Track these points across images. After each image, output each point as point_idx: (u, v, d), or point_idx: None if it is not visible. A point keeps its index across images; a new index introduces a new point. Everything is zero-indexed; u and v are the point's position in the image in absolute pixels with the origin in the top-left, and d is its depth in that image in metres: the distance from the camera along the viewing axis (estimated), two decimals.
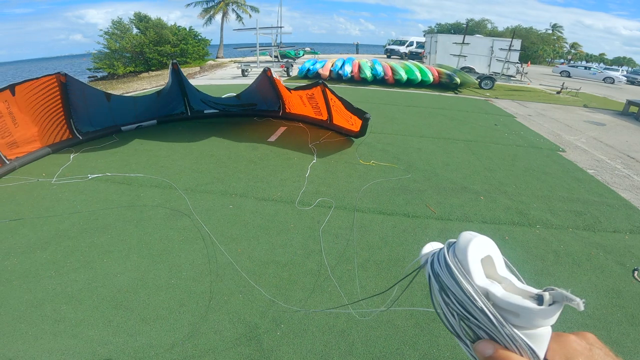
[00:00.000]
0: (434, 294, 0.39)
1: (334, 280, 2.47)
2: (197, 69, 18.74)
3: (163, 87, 5.87)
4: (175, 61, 5.44)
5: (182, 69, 5.60)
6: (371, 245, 2.89)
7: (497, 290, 0.35)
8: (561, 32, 51.38)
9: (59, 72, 4.36)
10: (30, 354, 1.83)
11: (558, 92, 14.52)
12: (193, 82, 8.67)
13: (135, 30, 21.08)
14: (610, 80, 24.74)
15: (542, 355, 0.34)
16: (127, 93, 10.22)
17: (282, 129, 6.04)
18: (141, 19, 21.17)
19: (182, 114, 6.31)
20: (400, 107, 8.90)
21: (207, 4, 34.11)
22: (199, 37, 23.44)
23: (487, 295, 0.35)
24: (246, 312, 2.15)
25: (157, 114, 5.98)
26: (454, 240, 0.40)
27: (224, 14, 34.39)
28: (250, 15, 35.29)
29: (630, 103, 10.67)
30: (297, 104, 6.11)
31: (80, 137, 4.99)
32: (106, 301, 2.18)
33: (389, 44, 34.44)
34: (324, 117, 5.88)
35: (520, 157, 5.46)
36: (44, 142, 4.60)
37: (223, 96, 7.00)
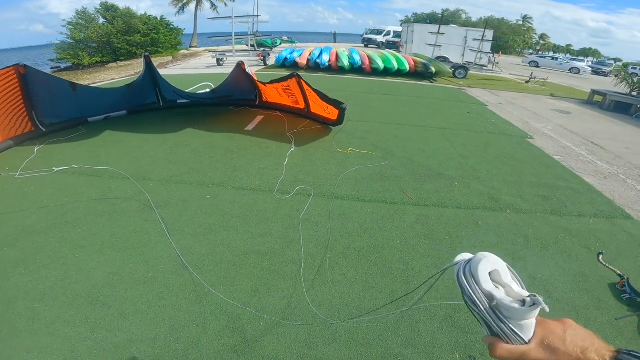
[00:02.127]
0: (464, 298, 0.53)
1: (327, 274, 2.48)
2: (170, 58, 18.01)
3: (134, 79, 5.60)
4: (147, 54, 5.21)
5: (153, 59, 5.35)
6: (351, 233, 2.92)
7: (498, 293, 0.50)
8: (531, 24, 53.15)
9: (17, 64, 4.11)
10: (6, 353, 1.74)
11: (527, 82, 15.09)
12: (165, 71, 8.34)
13: (102, 20, 19.98)
14: (576, 71, 25.93)
15: (527, 338, 0.49)
16: (93, 84, 9.66)
17: (259, 118, 5.95)
18: (108, 9, 20.09)
19: (153, 104, 6.05)
20: (377, 96, 8.96)
21: None
22: (171, 26, 22.54)
23: (492, 296, 0.50)
24: (228, 303, 2.12)
25: (127, 104, 5.72)
26: (472, 255, 0.56)
27: (198, 3, 33.07)
28: (225, 4, 34.15)
29: (594, 92, 11.25)
30: (274, 94, 6.03)
31: (44, 129, 4.71)
32: (81, 297, 2.10)
33: (366, 34, 34.42)
34: (301, 106, 5.83)
35: (492, 144, 5.67)
36: (5, 135, 4.32)
37: (198, 91, 6.77)
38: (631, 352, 0.44)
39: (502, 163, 4.83)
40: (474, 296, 0.50)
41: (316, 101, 5.26)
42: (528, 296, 0.49)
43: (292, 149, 4.62)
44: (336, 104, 4.82)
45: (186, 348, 1.83)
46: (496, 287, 0.51)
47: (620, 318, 2.26)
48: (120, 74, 12.28)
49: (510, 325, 0.49)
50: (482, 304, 0.50)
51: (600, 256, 2.88)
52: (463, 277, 0.53)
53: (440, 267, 0.60)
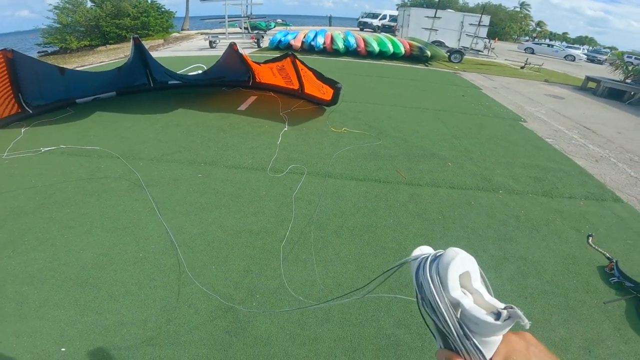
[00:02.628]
0: (418, 299, 0.45)
1: (313, 252, 2.48)
2: (161, 41, 17.50)
3: (124, 62, 5.43)
4: (136, 36, 5.04)
5: (143, 42, 5.19)
6: (344, 211, 2.92)
7: (467, 302, 0.41)
8: (528, 10, 52.50)
9: (5, 49, 4.04)
10: None
11: (522, 67, 15.03)
12: (156, 54, 8.10)
13: (89, 4, 19.25)
14: (571, 58, 25.85)
15: (489, 356, 0.41)
16: (82, 66, 9.38)
17: (252, 98, 5.85)
18: None
19: (144, 85, 5.89)
20: (372, 78, 8.87)
21: None
22: (163, 9, 21.83)
23: (458, 305, 0.41)
24: (220, 284, 2.10)
25: (117, 85, 5.56)
26: (441, 252, 0.45)
27: None
28: None
29: (589, 79, 11.24)
30: (268, 75, 5.92)
31: (30, 111, 4.59)
32: (70, 279, 2.06)
33: (362, 17, 33.78)
34: (295, 86, 5.74)
35: (486, 126, 5.67)
36: None
37: (189, 73, 6.60)
38: None
39: (495, 145, 4.83)
40: (440, 304, 0.41)
41: (311, 81, 5.18)
42: (504, 308, 0.40)
43: (286, 128, 4.57)
44: (331, 83, 4.78)
45: (177, 329, 1.81)
46: (464, 293, 0.43)
47: (608, 302, 2.26)
48: (109, 57, 11.90)
49: (475, 342, 0.40)
50: (448, 315, 0.41)
51: (590, 238, 2.89)
52: (429, 277, 0.43)
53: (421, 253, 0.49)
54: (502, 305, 0.41)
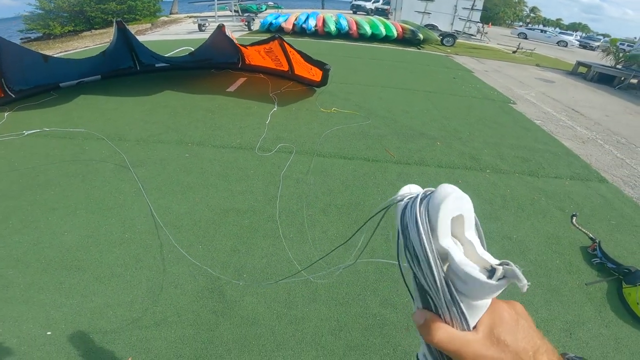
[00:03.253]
0: (400, 248, 0.37)
1: (307, 233, 2.48)
2: (148, 25, 16.98)
3: (108, 46, 5.26)
4: (119, 19, 4.87)
5: (130, 27, 5.03)
6: (332, 190, 2.92)
7: (457, 254, 0.34)
8: None
9: None
10: None
11: (514, 52, 14.98)
12: (143, 38, 7.86)
13: None
14: (563, 44, 25.86)
15: (473, 323, 0.35)
16: (66, 52, 9.09)
17: (241, 80, 5.76)
18: None
19: (130, 68, 5.73)
20: (363, 60, 8.78)
21: None
22: None
23: (447, 256, 0.34)
24: (207, 263, 2.09)
25: (101, 69, 5.39)
26: (432, 189, 0.36)
27: None
28: None
29: (579, 64, 11.26)
30: (256, 57, 5.82)
31: (13, 95, 4.46)
32: (55, 262, 2.03)
33: (355, 0, 33.12)
34: (285, 68, 5.66)
35: (475, 108, 5.68)
36: None
37: (176, 55, 6.43)
38: (579, 358, 0.37)
39: (484, 125, 4.85)
40: (428, 253, 0.34)
41: (300, 63, 5.13)
42: (500, 264, 0.34)
43: (275, 109, 4.52)
44: (320, 65, 4.75)
45: (164, 310, 1.80)
46: (454, 242, 0.36)
47: (590, 283, 2.26)
48: (94, 42, 11.53)
49: (461, 305, 0.34)
50: (436, 268, 0.34)
51: (574, 218, 2.89)
52: (417, 218, 0.35)
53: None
54: (497, 261, 0.34)
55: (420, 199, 0.36)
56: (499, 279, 0.32)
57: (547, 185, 3.41)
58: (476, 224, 0.37)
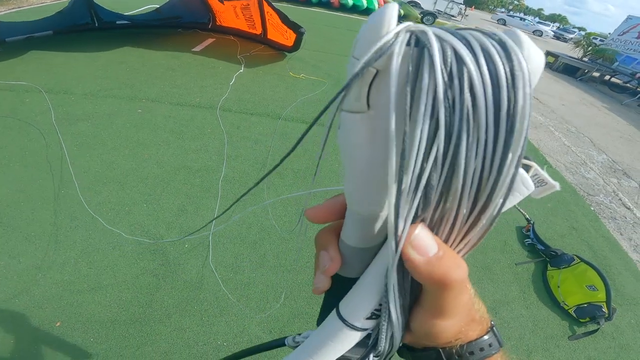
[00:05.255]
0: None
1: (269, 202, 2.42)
2: None
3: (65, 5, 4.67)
4: None
5: None
6: (291, 153, 2.86)
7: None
8: None
9: None
10: None
11: None
12: None
13: None
14: (539, 33, 26.51)
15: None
16: (20, 8, 8.10)
17: (209, 40, 5.42)
18: None
19: (87, 24, 5.12)
20: (340, 30, 8.57)
21: None
22: None
23: None
24: (150, 224, 1.99)
25: (54, 25, 4.82)
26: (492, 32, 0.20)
27: None
28: None
29: (548, 53, 11.57)
30: (229, 16, 5.45)
31: None
32: None
33: None
34: (258, 31, 5.37)
35: None
36: None
37: (140, 12, 5.88)
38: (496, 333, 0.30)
39: None
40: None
41: (275, 24, 4.89)
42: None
43: (241, 70, 4.34)
44: (295, 27, 4.59)
45: (99, 273, 1.70)
46: None
47: (519, 263, 2.31)
48: None
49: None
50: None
51: None
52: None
53: None
54: None
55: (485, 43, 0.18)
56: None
57: None
58: None
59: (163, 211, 2.10)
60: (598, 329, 1.96)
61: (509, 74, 0.17)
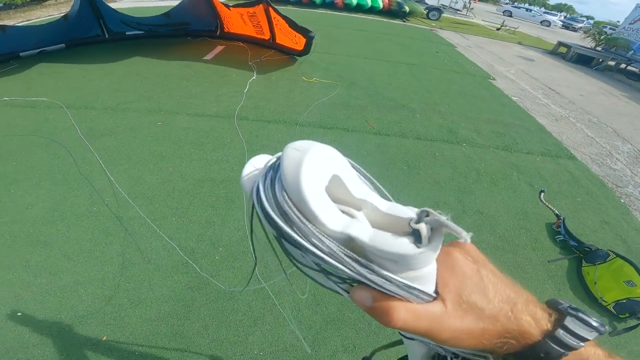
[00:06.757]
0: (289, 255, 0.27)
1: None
2: None
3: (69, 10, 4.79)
4: None
5: None
6: None
7: (362, 232, 0.24)
8: None
9: None
10: None
11: (498, 29, 14.98)
12: (114, 5, 7.23)
13: None
14: (547, 24, 26.06)
15: (432, 289, 0.26)
16: (28, 21, 8.36)
17: (219, 48, 5.49)
18: None
19: (97, 36, 5.24)
20: (347, 31, 8.57)
21: None
22: None
23: (352, 241, 0.24)
24: (181, 237, 2.02)
25: (65, 37, 4.92)
26: (278, 157, 0.25)
27: None
28: None
29: (560, 44, 11.38)
30: (237, 22, 5.52)
31: None
32: (20, 238, 1.91)
33: None
34: (267, 36, 5.42)
35: (456, 82, 5.70)
36: None
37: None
38: (575, 309, 0.29)
39: (463, 99, 4.90)
40: (322, 255, 0.23)
41: (283, 30, 4.94)
42: (418, 216, 0.25)
43: (254, 77, 4.38)
44: (304, 32, 4.64)
45: (137, 287, 1.74)
46: (347, 214, 0.26)
47: (552, 260, 2.26)
48: (60, 10, 10.62)
49: (404, 282, 0.25)
50: (346, 266, 0.24)
51: (542, 194, 2.94)
52: (286, 208, 0.24)
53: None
54: (413, 213, 0.26)
55: (271, 180, 0.25)
56: (428, 243, 0.24)
57: (519, 160, 3.47)
58: (358, 171, 0.29)
59: (192, 224, 2.13)
60: (639, 324, 1.91)
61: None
